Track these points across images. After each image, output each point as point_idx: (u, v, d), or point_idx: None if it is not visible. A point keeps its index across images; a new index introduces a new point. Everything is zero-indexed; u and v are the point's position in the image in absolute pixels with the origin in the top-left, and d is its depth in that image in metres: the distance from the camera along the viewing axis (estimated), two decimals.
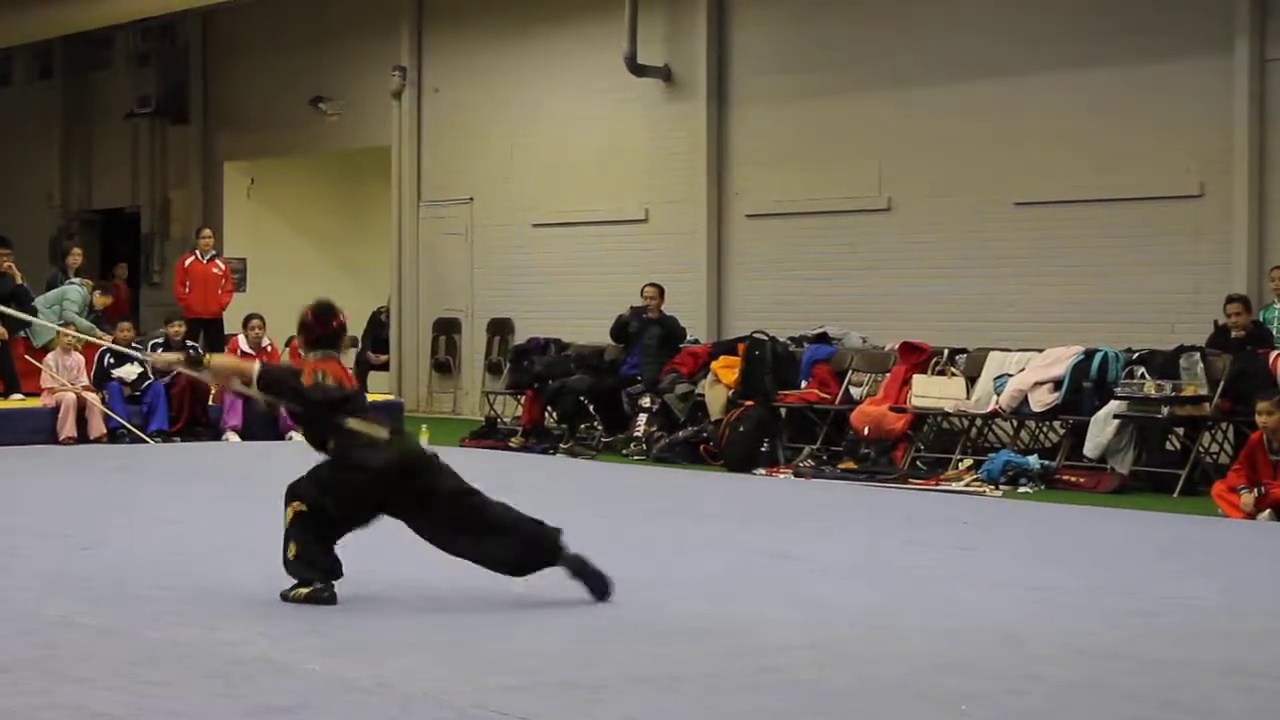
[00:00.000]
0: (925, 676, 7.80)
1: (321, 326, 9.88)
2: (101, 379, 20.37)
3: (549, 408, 20.75)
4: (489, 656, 8.10)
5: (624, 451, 19.33)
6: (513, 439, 20.44)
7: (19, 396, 20.83)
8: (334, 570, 9.46)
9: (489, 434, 20.93)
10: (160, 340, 20.94)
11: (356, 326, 27.21)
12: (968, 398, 17.45)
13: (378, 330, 27.08)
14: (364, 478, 9.43)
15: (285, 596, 9.39)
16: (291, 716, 6.93)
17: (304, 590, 9.37)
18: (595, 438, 19.92)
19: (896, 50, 20.37)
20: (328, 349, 9.84)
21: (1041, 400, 16.80)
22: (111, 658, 7.93)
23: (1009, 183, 19.35)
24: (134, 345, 20.79)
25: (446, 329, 25.81)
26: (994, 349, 17.80)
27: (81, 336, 20.23)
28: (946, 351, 18.08)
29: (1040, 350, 17.30)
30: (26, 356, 21.01)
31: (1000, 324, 18.98)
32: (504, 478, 17.13)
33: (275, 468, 17.55)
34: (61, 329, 20.39)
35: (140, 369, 20.43)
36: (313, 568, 9.42)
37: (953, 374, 17.78)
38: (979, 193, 19.63)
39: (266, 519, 11.75)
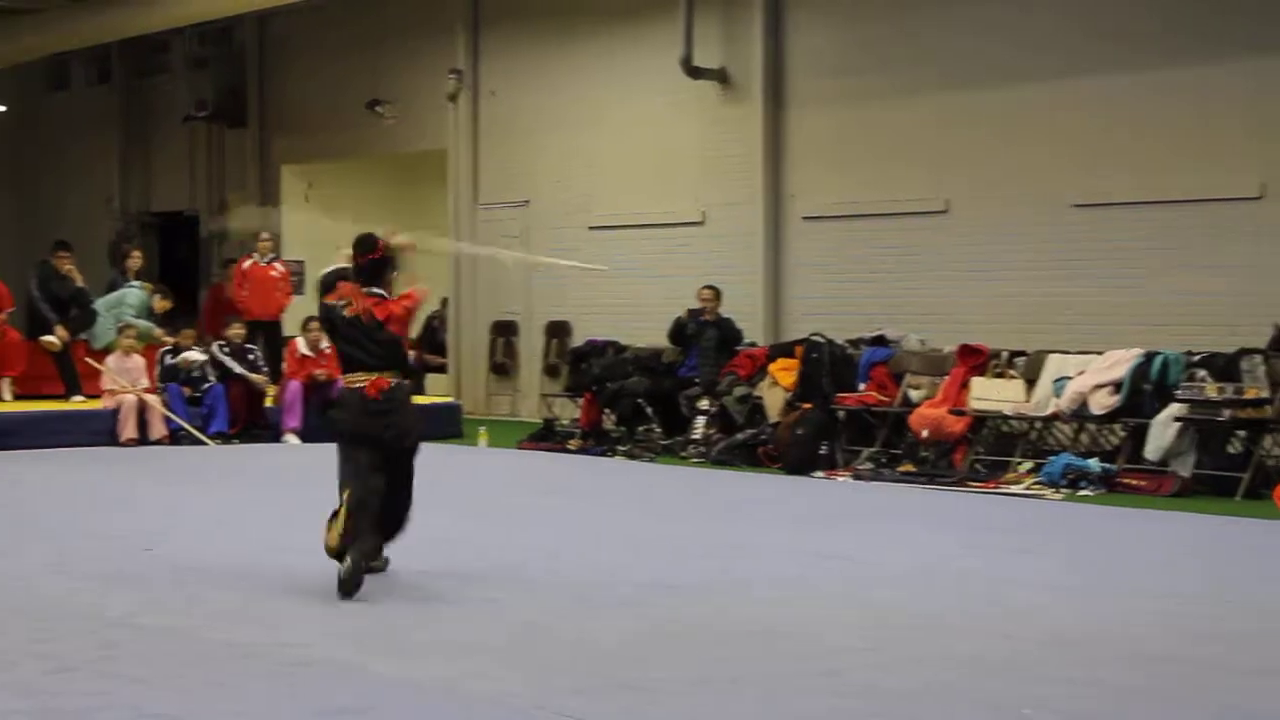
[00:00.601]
0: (985, 680, 7.77)
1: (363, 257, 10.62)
2: (170, 376, 20.44)
3: (607, 410, 20.75)
4: (551, 658, 8.11)
5: (682, 454, 19.30)
6: (571, 441, 20.43)
7: (80, 398, 20.95)
8: None
9: (547, 436, 20.93)
10: (224, 344, 21.01)
11: (413, 330, 27.28)
12: (1027, 400, 17.36)
13: (432, 335, 27.15)
14: None
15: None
16: (352, 717, 6.94)
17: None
18: (653, 440, 19.90)
19: (953, 52, 20.29)
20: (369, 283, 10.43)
21: (1101, 403, 16.71)
22: (171, 658, 7.96)
23: (1067, 184, 19.25)
24: (196, 349, 20.90)
25: (504, 331, 25.82)
26: (1053, 351, 17.71)
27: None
28: (1005, 354, 18.00)
29: (1099, 353, 17.21)
30: (87, 359, 21.11)
31: (1059, 326, 18.88)
32: (562, 480, 17.21)
33: (334, 469, 17.62)
34: (166, 338, 20.52)
35: (204, 356, 20.58)
36: None
37: (1012, 376, 17.69)
38: (1037, 195, 19.53)
39: (319, 518, 11.78)
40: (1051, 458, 16.53)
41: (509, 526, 12.10)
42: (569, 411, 21.84)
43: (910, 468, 17.28)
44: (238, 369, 20.65)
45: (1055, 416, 17.13)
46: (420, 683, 7.52)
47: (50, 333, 21.19)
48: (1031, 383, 17.46)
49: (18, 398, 21.00)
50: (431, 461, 18.67)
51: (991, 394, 17.54)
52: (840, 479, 17.18)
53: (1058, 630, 8.97)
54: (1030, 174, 19.56)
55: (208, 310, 26.01)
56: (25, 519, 13.28)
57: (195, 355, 20.54)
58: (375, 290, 10.44)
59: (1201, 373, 16.21)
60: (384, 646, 8.31)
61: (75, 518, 13.35)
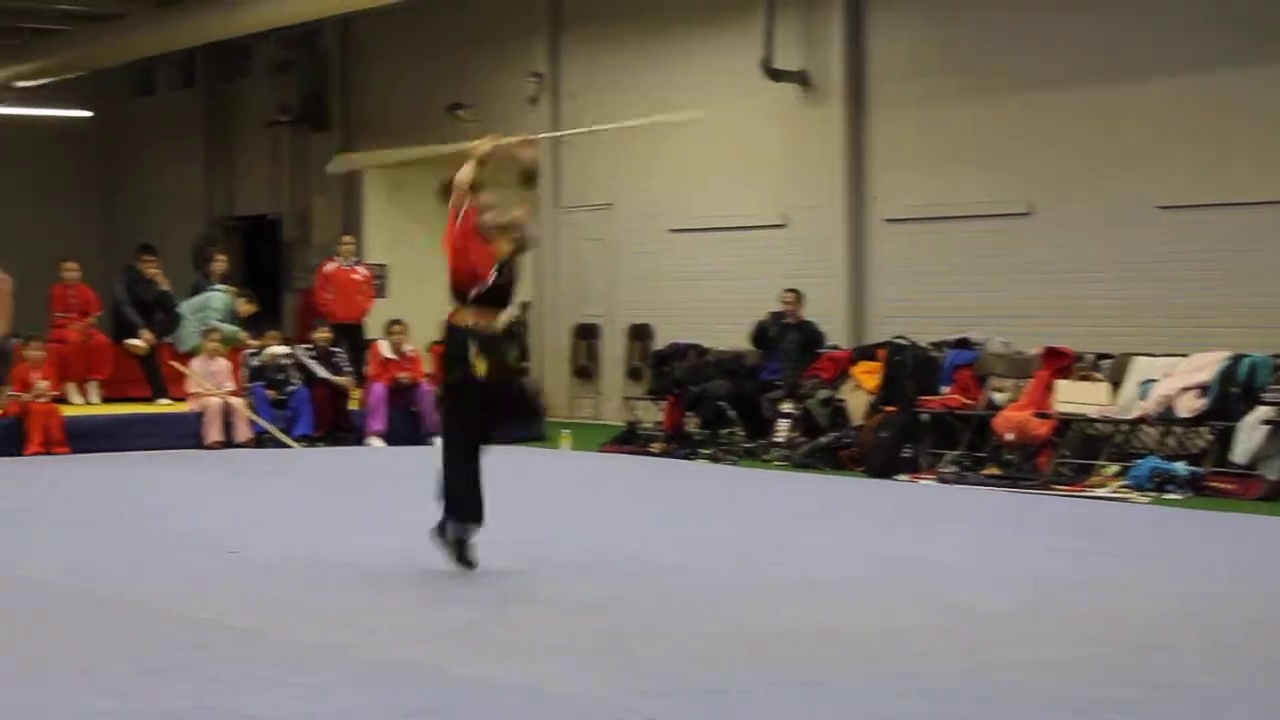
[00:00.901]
0: (1069, 683, 7.73)
1: None
2: (256, 377, 20.55)
3: (690, 413, 20.74)
4: (632, 661, 8.11)
5: (765, 457, 19.28)
6: (654, 444, 20.44)
7: (165, 402, 21.10)
8: None
9: (630, 440, 20.94)
10: (308, 347, 21.12)
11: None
12: (1112, 403, 17.25)
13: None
14: None
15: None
16: (434, 718, 6.95)
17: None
18: (736, 443, 19.88)
19: (1036, 52, 20.18)
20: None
21: (1188, 406, 16.58)
22: (260, 659, 8.00)
23: (1152, 185, 19.10)
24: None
25: (587, 335, 25.85)
26: (1139, 354, 17.59)
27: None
28: (1090, 356, 17.88)
29: (1186, 355, 17.09)
30: (172, 362, 21.27)
31: (1144, 328, 18.74)
32: (645, 483, 17.22)
33: (419, 471, 17.70)
34: (254, 341, 20.66)
35: (287, 350, 20.71)
36: None
37: (1097, 379, 17.58)
38: (1121, 196, 19.40)
39: (412, 522, 11.84)
40: (1138, 461, 16.42)
41: (591, 529, 12.12)
42: (651, 414, 21.84)
43: (994, 471, 17.20)
44: (321, 372, 20.76)
45: (1141, 419, 17.01)
46: (501, 684, 7.53)
47: (136, 336, 21.36)
48: (1117, 385, 17.35)
49: (104, 401, 21.19)
50: (514, 464, 18.70)
51: (1077, 397, 17.44)
52: (923, 482, 17.13)
53: (1142, 633, 8.91)
54: (1115, 175, 19.43)
55: (299, 315, 26.11)
56: (112, 522, 13.39)
57: (278, 349, 20.65)
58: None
59: None
60: (465, 648, 8.33)
61: (162, 520, 13.45)
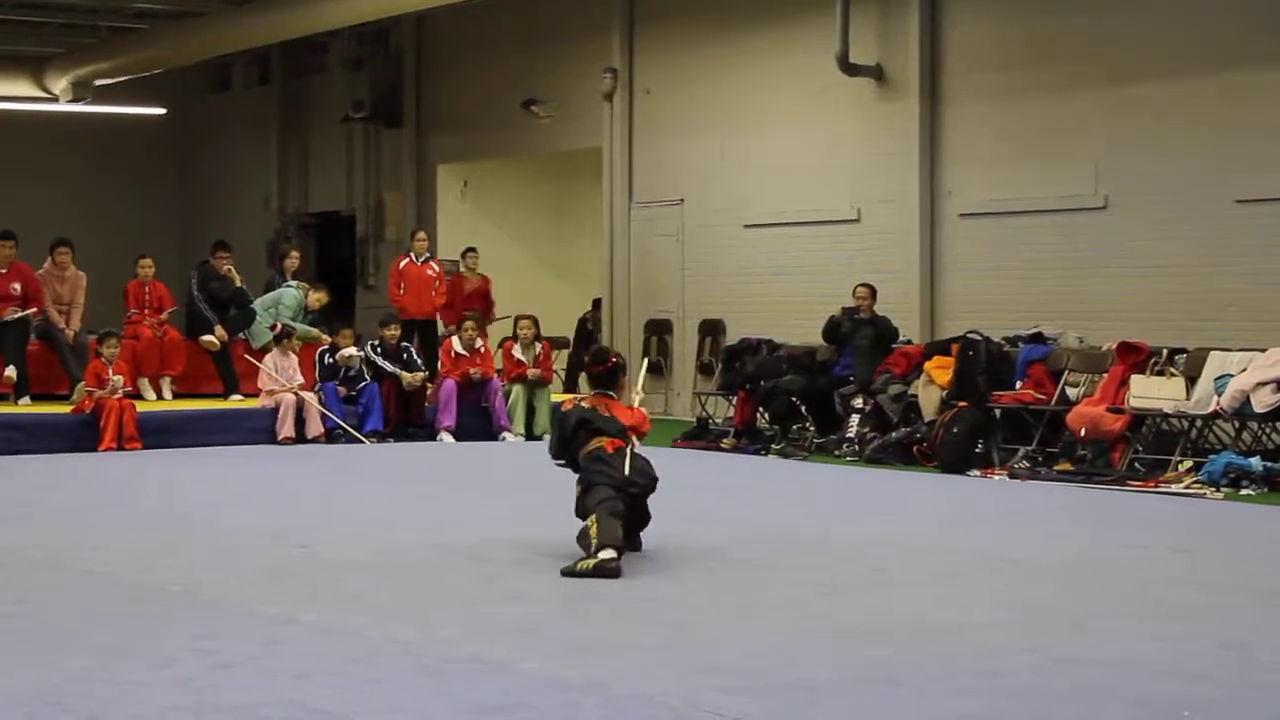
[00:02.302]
0: (1145, 681, 7.66)
1: (597, 367, 11.69)
2: (329, 375, 20.61)
3: (761, 409, 20.70)
4: (702, 657, 8.07)
5: (836, 452, 19.23)
6: (725, 440, 20.41)
7: (238, 397, 21.19)
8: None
9: (701, 435, 20.92)
10: (376, 343, 21.18)
11: (567, 329, 27.40)
12: (1187, 398, 17.12)
13: (586, 336, 27.27)
14: None
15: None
16: (506, 716, 6.94)
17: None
18: (807, 439, 19.83)
19: (1112, 45, 20.06)
20: (602, 388, 11.53)
21: (1264, 401, 16.43)
22: (329, 655, 8.01)
23: (1229, 179, 18.97)
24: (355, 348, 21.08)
25: (658, 330, 25.84)
26: (1214, 349, 17.44)
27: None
28: (1165, 351, 17.74)
29: (1263, 350, 16.94)
30: (246, 357, 21.36)
31: (1220, 323, 18.61)
32: (716, 478, 17.19)
33: (489, 467, 17.72)
34: (354, 355, 20.74)
35: (362, 354, 20.76)
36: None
37: (1172, 374, 17.45)
38: (1198, 190, 19.26)
39: (481, 518, 11.86)
40: (1212, 456, 16.29)
41: (661, 525, 12.06)
42: (723, 410, 21.81)
43: (1067, 466, 17.11)
44: (389, 368, 20.79)
45: (1216, 415, 16.88)
46: (570, 681, 7.51)
47: (210, 333, 21.45)
48: (1192, 380, 17.22)
49: (177, 396, 21.29)
50: None
51: (1151, 392, 17.32)
52: (996, 477, 17.05)
53: (1219, 631, 8.83)
54: (1191, 169, 19.30)
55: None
56: (183, 517, 13.44)
57: (353, 352, 20.70)
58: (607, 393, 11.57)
59: None
60: (534, 644, 8.32)
61: (233, 515, 13.50)
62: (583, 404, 11.45)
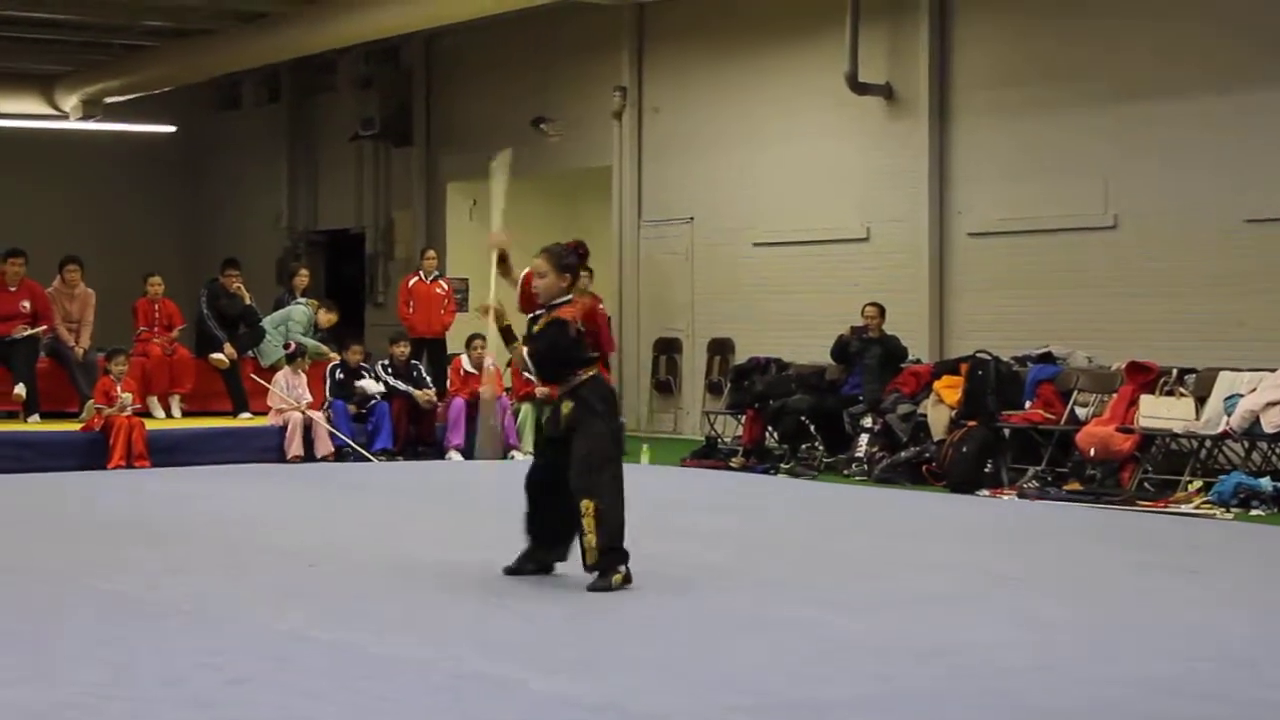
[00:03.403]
0: (1156, 700, 7.65)
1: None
2: (338, 391, 20.63)
3: (770, 428, 20.70)
4: (714, 675, 8.07)
5: (845, 472, 19.22)
6: (734, 459, 20.41)
7: (247, 415, 21.21)
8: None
9: (710, 454, 20.92)
10: (386, 362, 21.20)
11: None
12: (1197, 418, 17.09)
13: None
14: None
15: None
16: None
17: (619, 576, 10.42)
18: (817, 458, 19.83)
19: (1122, 64, 20.06)
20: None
21: (1274, 421, 16.40)
22: (340, 672, 8.02)
23: (1239, 198, 18.94)
24: (362, 366, 21.09)
25: (667, 348, 25.83)
26: (1224, 369, 17.42)
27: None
28: (1175, 371, 17.72)
29: (1272, 370, 16.92)
30: (254, 376, 21.37)
31: (1230, 343, 18.58)
32: (725, 498, 17.19)
33: (498, 486, 17.71)
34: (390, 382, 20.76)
35: (380, 385, 20.76)
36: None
37: (1181, 394, 17.43)
38: (1208, 209, 19.24)
39: (491, 536, 11.86)
40: (1222, 477, 16.28)
41: (671, 543, 12.06)
42: (732, 429, 21.81)
43: (1077, 486, 17.09)
44: (401, 386, 20.81)
45: (1226, 435, 16.86)
46: (580, 699, 7.51)
47: (219, 351, 21.47)
48: (1202, 400, 17.19)
49: (186, 414, 21.31)
50: None
51: (1161, 412, 17.30)
52: (1005, 497, 17.03)
53: (1229, 650, 8.82)
54: (1201, 189, 19.28)
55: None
56: (193, 535, 13.44)
57: (371, 386, 20.71)
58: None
59: None
60: (544, 662, 8.32)
61: (243, 533, 13.51)
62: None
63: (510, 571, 10.83)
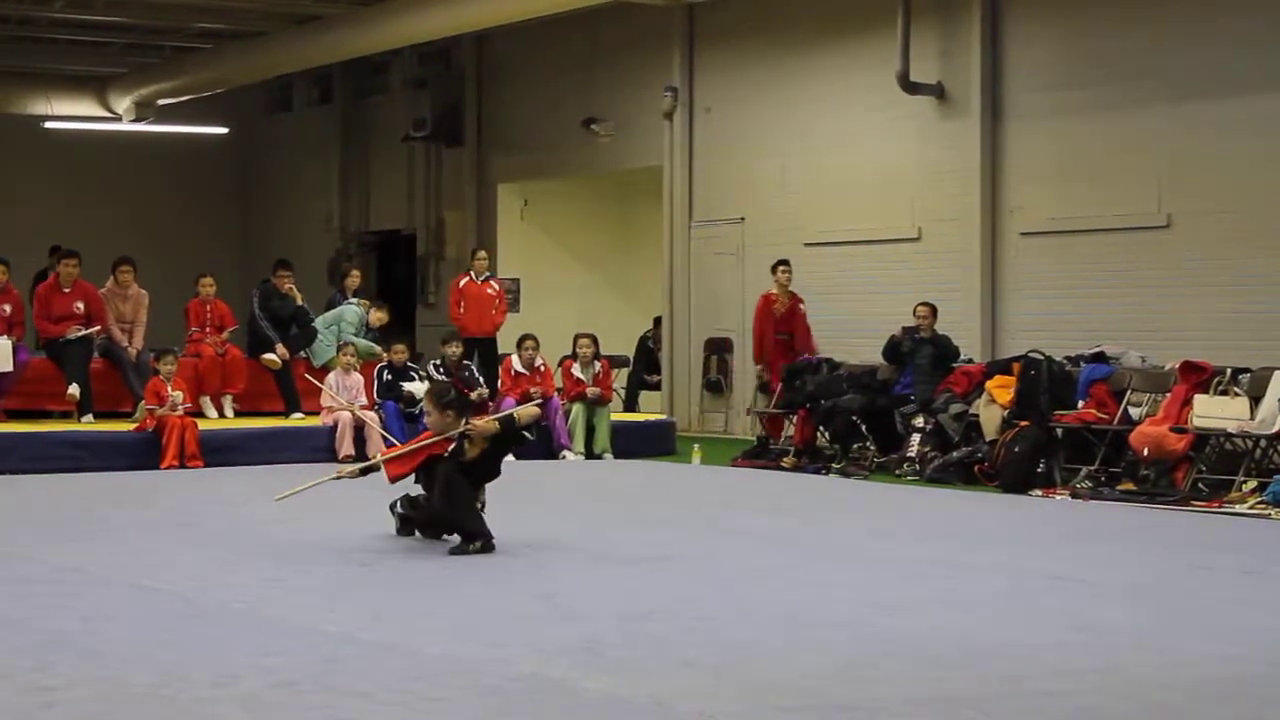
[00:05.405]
0: (1212, 703, 7.60)
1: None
2: (386, 392, 20.66)
3: (821, 428, 20.66)
4: (764, 677, 8.04)
5: (897, 472, 19.17)
6: (785, 459, 20.37)
7: (299, 416, 21.24)
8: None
9: (761, 454, 20.89)
10: (439, 362, 21.22)
11: (627, 347, 27.40)
12: (1251, 418, 17.00)
13: (647, 354, 27.29)
14: None
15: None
16: None
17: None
18: (868, 458, 19.79)
19: (1175, 64, 19.97)
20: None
21: None
22: (391, 674, 8.01)
23: None
24: (409, 365, 21.11)
25: (718, 348, 25.81)
26: (1278, 368, 17.33)
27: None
28: (1229, 371, 17.62)
29: None
30: (307, 376, 21.40)
31: None
32: (776, 498, 17.15)
33: (549, 486, 17.71)
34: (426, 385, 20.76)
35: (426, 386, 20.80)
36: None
37: (1236, 394, 17.32)
38: (1261, 209, 19.15)
39: (541, 537, 11.85)
40: (1277, 477, 16.18)
41: (721, 544, 12.05)
42: (781, 429, 21.75)
43: (1130, 486, 17.01)
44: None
45: None
46: (629, 700, 7.49)
47: (271, 351, 21.52)
48: (1256, 400, 17.09)
49: (239, 415, 21.36)
50: (646, 478, 18.70)
51: (1214, 411, 17.19)
52: (1058, 497, 16.96)
53: None
54: (1254, 188, 19.19)
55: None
56: (244, 534, 13.47)
57: (418, 389, 20.72)
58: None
59: None
60: (594, 663, 8.30)
61: (293, 532, 13.52)
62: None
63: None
